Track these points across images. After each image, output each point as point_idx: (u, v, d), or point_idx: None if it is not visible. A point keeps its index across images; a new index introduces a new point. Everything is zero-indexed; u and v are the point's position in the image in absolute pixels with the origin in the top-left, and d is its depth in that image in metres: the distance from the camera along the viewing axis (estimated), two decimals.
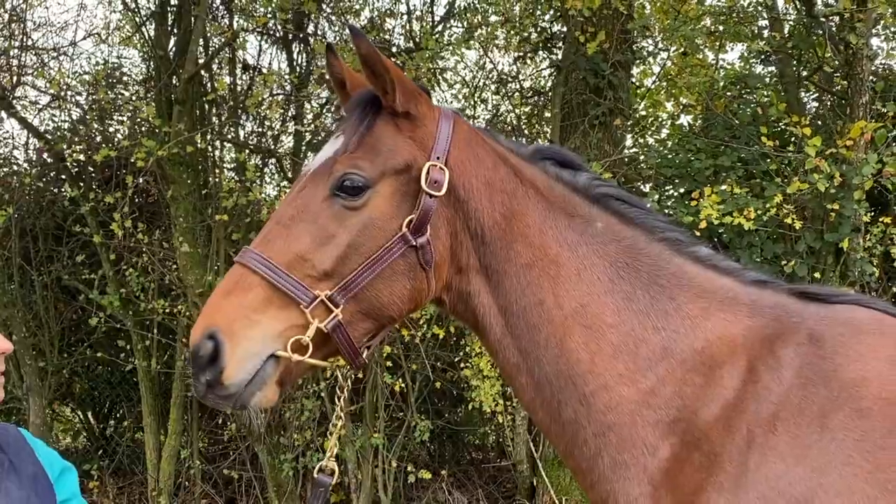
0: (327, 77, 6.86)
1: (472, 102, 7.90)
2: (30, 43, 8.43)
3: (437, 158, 1.98)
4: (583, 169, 2.20)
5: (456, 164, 2.02)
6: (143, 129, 7.33)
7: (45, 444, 2.08)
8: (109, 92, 8.06)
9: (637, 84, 8.85)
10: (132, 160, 5.94)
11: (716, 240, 6.40)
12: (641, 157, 7.13)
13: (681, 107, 8.89)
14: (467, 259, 2.04)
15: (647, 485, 1.87)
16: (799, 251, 5.79)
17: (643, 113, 9.27)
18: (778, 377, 1.86)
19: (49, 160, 8.22)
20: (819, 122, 6.53)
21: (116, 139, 8.13)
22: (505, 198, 2.06)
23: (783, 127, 5.82)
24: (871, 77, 6.06)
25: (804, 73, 6.69)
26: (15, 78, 8.13)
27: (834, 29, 5.70)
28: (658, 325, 1.98)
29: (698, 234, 6.04)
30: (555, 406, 1.99)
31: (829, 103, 6.86)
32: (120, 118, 8.70)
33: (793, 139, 5.95)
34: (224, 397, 1.79)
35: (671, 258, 2.05)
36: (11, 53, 8.25)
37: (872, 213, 5.91)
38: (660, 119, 9.45)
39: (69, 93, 8.29)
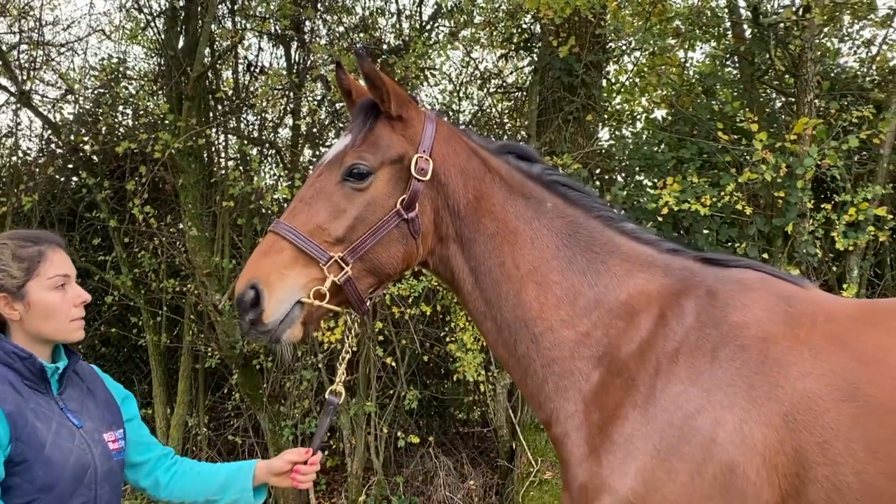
0: (328, 80, 7.35)
1: (458, 98, 8.38)
2: (40, 39, 8.84)
3: (424, 151, 2.48)
4: (538, 161, 2.71)
5: (438, 155, 2.52)
6: (145, 121, 7.76)
7: (110, 378, 2.59)
8: (115, 86, 8.50)
9: (613, 80, 9.36)
10: (147, 151, 6.40)
11: (681, 224, 6.93)
12: (614, 150, 7.61)
13: (652, 103, 9.39)
14: (446, 230, 2.55)
15: (580, 403, 2.40)
16: (750, 235, 6.29)
17: (619, 107, 9.78)
18: (681, 322, 2.39)
19: (59, 150, 8.66)
20: (772, 118, 7.06)
21: (121, 131, 8.59)
22: (476, 182, 2.56)
23: (738, 123, 6.32)
24: (817, 77, 6.58)
25: (760, 72, 7.18)
26: (26, 73, 8.54)
27: (781, 34, 6.22)
28: (592, 283, 2.50)
29: (661, 219, 6.57)
30: (512, 344, 2.51)
31: (780, 101, 7.39)
32: (125, 111, 9.14)
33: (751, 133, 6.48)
34: (263, 332, 2.29)
35: (603, 231, 2.57)
36: (22, 48, 8.68)
37: (827, 198, 6.40)
38: (634, 113, 9.96)
39: (78, 87, 8.72)
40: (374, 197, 2.41)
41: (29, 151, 9.22)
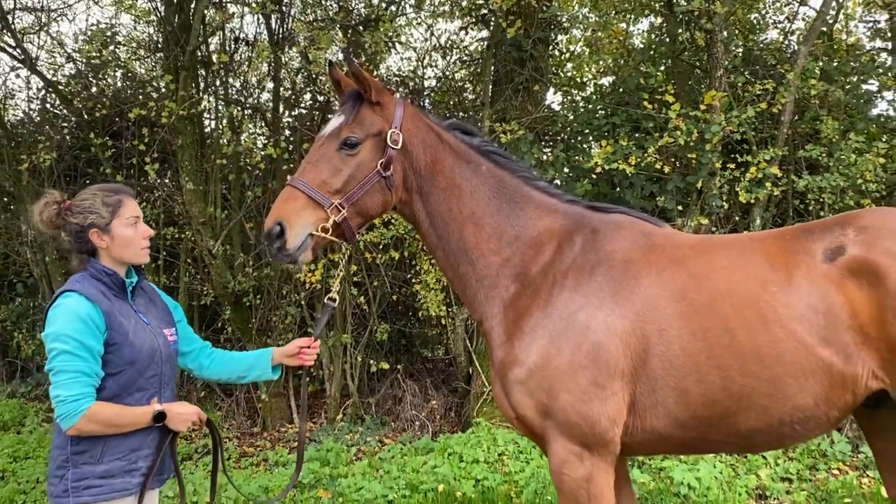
0: (307, 52, 8.07)
1: (422, 66, 9.19)
2: (39, 5, 9.41)
3: (396, 127, 3.34)
4: (477, 135, 3.60)
5: (406, 130, 3.39)
6: (150, 89, 8.46)
7: (163, 292, 3.47)
8: (106, 51, 9.14)
9: (563, 50, 10.21)
10: (152, 116, 7.16)
11: (614, 181, 7.88)
12: (556, 117, 8.48)
13: (598, 73, 10.28)
14: (411, 184, 3.43)
15: (502, 306, 3.34)
16: (669, 190, 7.28)
17: (570, 74, 10.63)
18: (572, 250, 3.33)
19: (63, 112, 9.33)
20: (691, 90, 8.00)
21: (109, 93, 9.27)
22: (432, 150, 3.45)
23: (658, 94, 7.24)
24: (736, 53, 7.50)
25: (680, 49, 8.08)
26: (23, 37, 9.12)
27: (694, 17, 7.12)
28: (513, 223, 3.42)
29: (595, 176, 7.52)
30: (456, 266, 3.43)
31: (697, 76, 8.33)
32: (114, 74, 9.79)
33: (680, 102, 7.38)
34: (286, 255, 3.13)
35: (523, 186, 3.48)
36: (15, 15, 9.24)
37: (737, 159, 7.33)
38: (584, 80, 10.81)
39: (77, 54, 9.35)
40: (362, 160, 3.27)
41: (31, 112, 9.88)
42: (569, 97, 10.25)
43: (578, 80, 10.48)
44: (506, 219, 3.43)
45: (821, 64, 7.90)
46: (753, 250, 3.24)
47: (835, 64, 7.77)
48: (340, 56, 8.90)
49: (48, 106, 9.61)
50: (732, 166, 7.03)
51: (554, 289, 3.25)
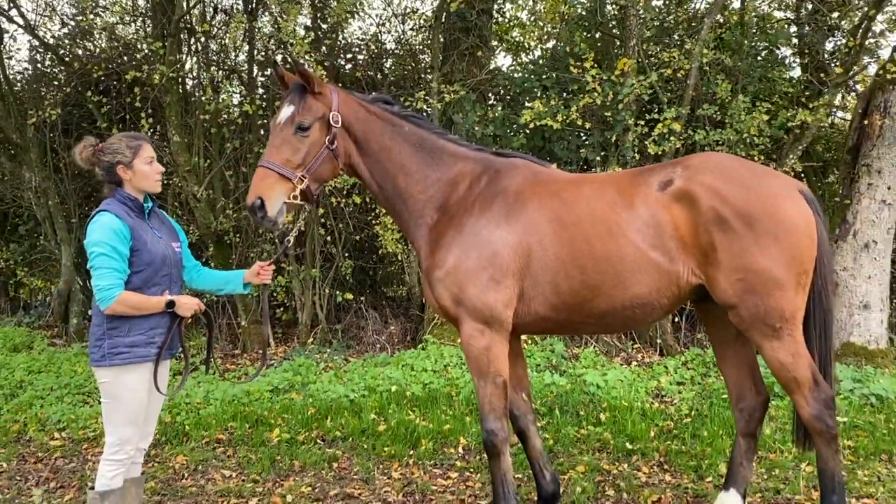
0: (277, 20, 8.84)
1: (380, 33, 10.01)
2: None
3: (335, 110, 4.19)
4: (396, 104, 4.51)
5: (342, 110, 4.23)
6: (142, 54, 9.19)
7: (171, 217, 4.40)
8: (97, 18, 9.83)
9: (510, 17, 11.07)
10: (144, 78, 7.98)
11: (545, 135, 8.85)
12: (496, 81, 9.40)
13: (540, 38, 11.16)
14: (353, 151, 4.30)
15: (427, 231, 4.30)
16: (590, 143, 8.29)
17: (518, 39, 11.49)
18: (479, 186, 4.30)
19: (56, 72, 10.01)
20: (611, 57, 8.96)
21: (103, 56, 9.98)
22: (364, 122, 4.30)
23: (580, 60, 8.20)
24: (645, 27, 8.46)
25: (602, 22, 9.03)
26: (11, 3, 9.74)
27: None
28: (435, 170, 4.36)
29: (529, 131, 8.49)
30: (393, 206, 4.36)
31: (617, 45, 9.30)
32: (99, 37, 10.47)
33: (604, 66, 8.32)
34: (269, 221, 3.92)
35: (438, 140, 4.41)
36: None
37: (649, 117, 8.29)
38: (529, 45, 11.67)
39: (66, 17, 10.01)
40: (314, 139, 4.10)
41: (24, 72, 10.53)
42: (517, 60, 11.16)
43: (525, 44, 11.35)
44: (428, 167, 4.35)
45: (724, 34, 8.90)
46: (610, 184, 4.26)
47: (733, 35, 8.74)
48: (309, 22, 9.72)
49: (43, 67, 10.27)
50: (642, 123, 8.05)
51: (465, 215, 4.23)
